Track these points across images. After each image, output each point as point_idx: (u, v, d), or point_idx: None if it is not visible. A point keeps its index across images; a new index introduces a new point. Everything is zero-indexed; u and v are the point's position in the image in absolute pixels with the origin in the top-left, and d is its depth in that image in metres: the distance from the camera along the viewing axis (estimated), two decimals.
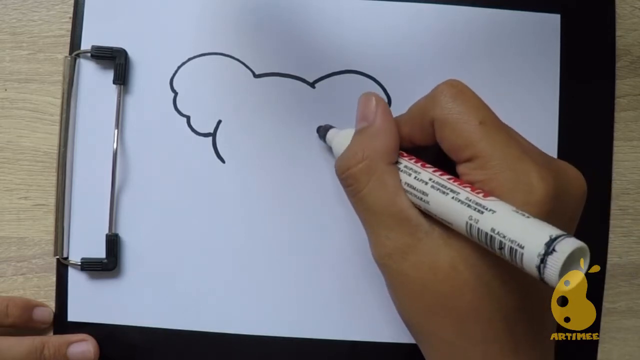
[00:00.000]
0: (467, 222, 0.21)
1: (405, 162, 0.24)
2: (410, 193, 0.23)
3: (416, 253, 0.23)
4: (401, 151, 0.25)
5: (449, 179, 0.23)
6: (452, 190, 0.22)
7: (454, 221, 0.22)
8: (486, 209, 0.20)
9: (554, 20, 0.35)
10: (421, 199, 0.23)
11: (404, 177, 0.24)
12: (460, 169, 0.23)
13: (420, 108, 0.25)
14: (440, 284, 0.22)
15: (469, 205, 0.21)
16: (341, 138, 0.28)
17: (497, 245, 0.20)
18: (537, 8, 0.35)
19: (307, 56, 0.35)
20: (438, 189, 0.22)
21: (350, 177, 0.24)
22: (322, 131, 0.31)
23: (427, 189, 0.23)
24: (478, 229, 0.20)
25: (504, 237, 0.19)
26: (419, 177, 0.23)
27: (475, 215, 0.21)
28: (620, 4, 0.36)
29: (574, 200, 0.24)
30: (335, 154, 0.29)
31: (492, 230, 0.20)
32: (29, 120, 0.35)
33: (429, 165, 0.24)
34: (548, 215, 0.21)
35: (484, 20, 0.35)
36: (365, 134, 0.25)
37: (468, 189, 0.22)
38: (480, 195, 0.21)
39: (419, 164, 0.24)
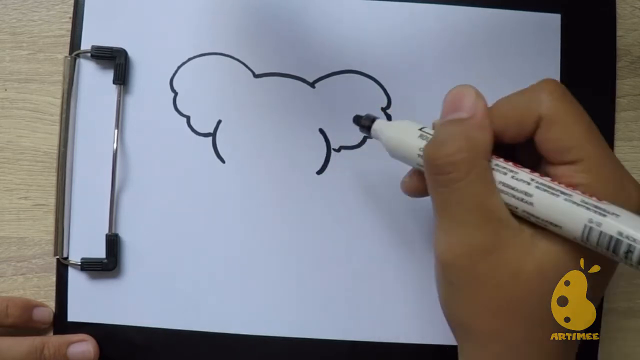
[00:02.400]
0: (585, 225, 0.20)
1: (500, 162, 0.23)
2: (506, 193, 0.22)
3: (500, 254, 0.22)
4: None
5: (551, 179, 0.22)
6: (562, 192, 0.21)
7: (565, 224, 0.21)
8: (609, 212, 0.20)
9: (554, 20, 0.35)
10: (522, 199, 0.22)
11: (498, 176, 0.23)
12: (561, 170, 0.22)
13: (521, 104, 0.23)
14: (519, 287, 0.22)
15: (587, 208, 0.20)
16: (397, 130, 0.26)
17: (623, 249, 0.19)
18: (537, 8, 0.35)
19: (307, 56, 0.35)
20: (545, 190, 0.21)
21: (449, 165, 0.22)
22: (366, 121, 0.28)
23: (530, 189, 0.22)
24: (601, 232, 0.20)
25: (634, 240, 0.19)
26: (517, 177, 0.22)
27: (597, 218, 0.20)
28: (620, 4, 0.36)
29: None
30: (388, 147, 0.26)
31: (620, 233, 0.19)
32: (29, 120, 0.35)
33: (518, 165, 0.23)
34: None
35: (484, 20, 0.35)
36: (466, 125, 0.23)
37: (579, 192, 0.21)
38: (594, 198, 0.21)
39: (510, 163, 0.23)
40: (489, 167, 0.23)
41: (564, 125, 0.22)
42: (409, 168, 0.28)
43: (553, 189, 0.21)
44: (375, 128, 0.27)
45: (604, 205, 0.20)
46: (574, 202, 0.21)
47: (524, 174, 0.22)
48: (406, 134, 0.25)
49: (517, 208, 0.22)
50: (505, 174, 0.23)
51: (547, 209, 0.21)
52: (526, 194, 0.22)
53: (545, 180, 0.22)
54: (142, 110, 0.35)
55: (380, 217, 0.35)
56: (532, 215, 0.22)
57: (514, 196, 0.22)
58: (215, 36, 0.35)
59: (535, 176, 0.22)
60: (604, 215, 0.20)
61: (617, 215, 0.20)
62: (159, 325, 0.34)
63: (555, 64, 0.35)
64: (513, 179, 0.22)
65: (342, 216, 0.35)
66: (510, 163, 0.23)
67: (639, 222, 0.20)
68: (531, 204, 0.22)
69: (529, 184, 0.22)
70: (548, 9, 0.35)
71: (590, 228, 0.20)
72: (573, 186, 0.22)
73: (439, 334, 0.35)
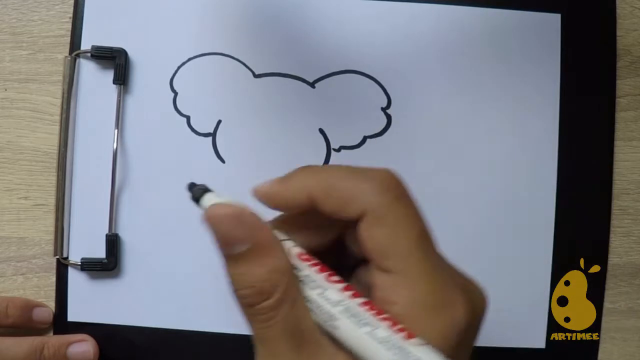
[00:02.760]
0: None
1: (309, 272, 0.20)
2: (313, 311, 0.20)
3: None
4: (301, 250, 0.21)
5: (365, 303, 0.19)
6: (367, 323, 0.18)
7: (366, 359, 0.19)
8: (411, 355, 0.18)
9: (554, 20, 0.35)
10: (327, 321, 0.19)
11: (306, 290, 0.20)
12: (381, 279, 0.20)
13: (349, 186, 0.21)
14: None
15: (388, 348, 0.18)
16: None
17: None
18: (537, 8, 0.35)
19: (307, 56, 0.35)
20: (350, 316, 0.19)
21: (255, 294, 0.20)
22: (197, 192, 0.23)
23: (335, 312, 0.19)
24: None
25: None
26: (325, 294, 0.20)
27: None
28: (620, 4, 0.36)
29: (480, 320, 0.22)
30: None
31: None
32: (29, 120, 0.35)
33: (336, 277, 0.20)
34: (466, 339, 0.20)
35: (484, 20, 0.35)
36: (248, 262, 0.20)
37: (388, 323, 0.18)
38: (403, 334, 0.18)
39: (323, 274, 0.20)
40: (296, 291, 0.20)
41: (389, 226, 0.20)
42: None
43: (359, 316, 0.19)
44: (203, 202, 0.23)
45: (409, 344, 0.18)
46: (376, 339, 0.18)
47: (334, 291, 0.20)
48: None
49: (324, 328, 0.20)
50: (314, 289, 0.20)
51: (349, 340, 0.19)
52: (331, 316, 0.19)
53: (356, 302, 0.19)
54: (142, 110, 0.35)
55: None
56: (338, 341, 0.19)
57: (320, 317, 0.20)
58: (215, 36, 0.35)
59: (346, 295, 0.19)
60: (407, 358, 0.18)
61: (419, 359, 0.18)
62: (159, 325, 0.34)
63: (556, 63, 0.35)
64: (321, 297, 0.20)
65: None
66: (324, 274, 0.20)
67: None
68: (336, 328, 0.19)
69: (335, 305, 0.19)
70: (548, 9, 0.35)
71: None
72: (391, 304, 0.19)
73: None
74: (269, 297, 0.20)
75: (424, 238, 0.20)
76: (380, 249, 0.20)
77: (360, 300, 0.19)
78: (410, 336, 0.18)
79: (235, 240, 0.21)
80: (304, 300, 0.20)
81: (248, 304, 0.21)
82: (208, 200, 0.23)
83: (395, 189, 0.21)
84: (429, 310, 0.19)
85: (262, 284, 0.20)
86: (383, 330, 0.18)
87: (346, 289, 0.20)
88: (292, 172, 0.22)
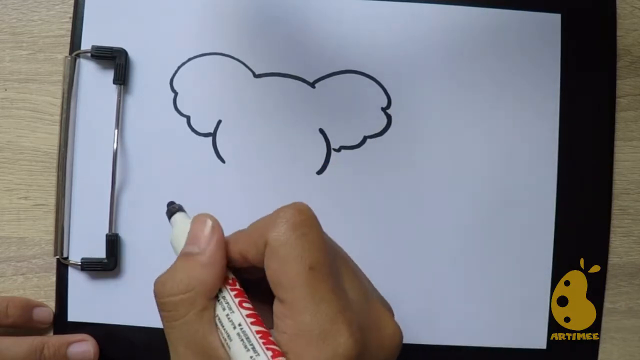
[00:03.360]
0: None
1: (227, 294, 0.23)
2: (219, 330, 0.22)
3: None
4: (233, 277, 0.23)
5: (259, 331, 0.21)
6: (253, 349, 0.20)
7: None
8: None
9: (554, 20, 0.35)
10: (225, 340, 0.22)
11: (219, 311, 0.22)
12: (275, 306, 0.22)
13: (260, 226, 0.23)
14: None
15: None
16: (182, 234, 0.25)
17: None
18: (537, 8, 0.35)
19: (307, 56, 0.35)
20: (242, 340, 0.21)
21: (169, 305, 0.23)
22: (170, 211, 0.27)
23: (233, 334, 0.21)
24: None
25: None
26: (231, 316, 0.22)
27: None
28: (620, 4, 0.36)
29: (385, 356, 0.23)
30: (171, 241, 0.26)
31: None
32: (29, 120, 0.35)
33: (248, 304, 0.22)
34: None
35: (485, 20, 0.35)
36: (194, 262, 0.23)
37: (270, 354, 0.20)
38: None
39: (237, 300, 0.22)
40: (210, 306, 0.22)
41: (284, 258, 0.21)
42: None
43: (250, 341, 0.21)
44: (173, 221, 0.27)
45: None
46: None
47: (238, 315, 0.22)
48: (182, 238, 0.25)
49: (224, 344, 0.22)
50: (224, 309, 0.22)
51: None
52: (229, 337, 0.21)
53: (252, 329, 0.21)
54: (142, 110, 0.35)
55: (380, 217, 0.35)
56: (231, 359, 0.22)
57: (222, 335, 0.22)
58: (216, 36, 0.35)
59: (247, 321, 0.21)
60: None
61: None
62: (159, 325, 0.34)
63: (556, 63, 0.35)
64: (227, 318, 0.22)
65: (341, 216, 0.35)
66: (239, 299, 0.22)
67: None
68: (230, 347, 0.21)
69: (235, 327, 0.21)
70: (548, 9, 0.35)
71: None
72: (281, 333, 0.21)
73: (438, 335, 0.35)
74: (176, 294, 0.22)
75: (316, 270, 0.21)
76: (274, 280, 0.22)
77: (257, 328, 0.21)
78: None
79: (194, 241, 0.23)
80: (214, 320, 0.22)
81: (156, 292, 0.23)
82: (178, 218, 0.26)
83: (296, 223, 0.22)
84: (312, 341, 0.20)
85: (180, 282, 0.22)
86: (262, 357, 0.20)
87: (250, 316, 0.22)
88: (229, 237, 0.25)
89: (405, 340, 0.35)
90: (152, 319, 0.34)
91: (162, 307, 0.23)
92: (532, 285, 0.35)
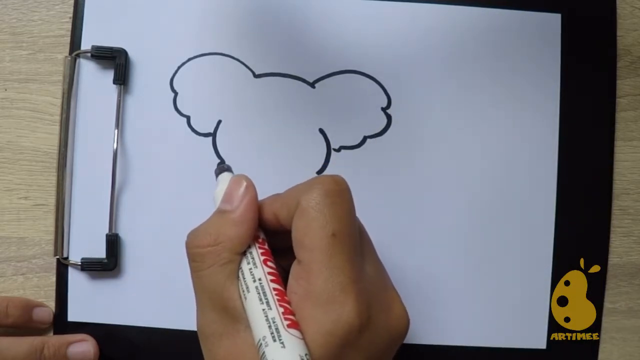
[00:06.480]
0: (259, 340, 0.21)
1: (254, 251, 0.24)
2: (240, 281, 0.23)
3: (230, 342, 0.23)
4: (264, 238, 0.25)
5: (276, 289, 0.22)
6: (267, 302, 0.22)
7: (254, 330, 0.22)
8: (279, 339, 0.20)
9: (554, 20, 0.35)
10: (243, 292, 0.23)
11: (243, 265, 0.23)
12: (293, 267, 0.23)
13: (295, 189, 0.24)
14: None
15: (269, 326, 0.21)
16: (222, 192, 0.26)
17: None
18: (538, 8, 0.35)
19: (307, 56, 0.35)
20: (258, 293, 0.22)
21: (197, 255, 0.24)
22: (219, 169, 0.29)
23: (251, 286, 0.22)
24: (264, 353, 0.20)
25: None
26: (253, 271, 0.23)
27: (269, 339, 0.21)
28: (620, 4, 0.36)
29: (390, 336, 0.23)
30: (214, 196, 0.27)
31: None
32: (29, 120, 0.35)
33: (271, 264, 0.23)
34: (359, 344, 0.21)
35: (485, 20, 0.35)
36: (225, 219, 0.24)
37: (282, 310, 0.21)
38: (288, 322, 0.21)
39: (263, 258, 0.24)
40: (235, 260, 0.23)
41: (309, 219, 0.22)
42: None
43: (265, 295, 0.22)
44: (219, 178, 0.28)
45: (286, 332, 0.21)
46: (266, 317, 0.21)
47: (260, 270, 0.23)
48: (222, 195, 0.26)
49: (241, 294, 0.23)
50: (248, 263, 0.23)
51: (248, 309, 0.22)
52: (247, 288, 0.22)
53: (269, 286, 0.22)
54: (142, 110, 0.35)
55: (380, 217, 0.35)
56: (245, 308, 0.23)
57: (241, 287, 0.23)
58: (216, 36, 0.35)
59: (267, 278, 0.23)
60: (274, 340, 0.20)
61: (283, 347, 0.20)
62: (159, 325, 0.34)
63: (556, 63, 0.35)
64: (249, 272, 0.23)
65: None
66: (264, 257, 0.24)
67: None
68: (246, 298, 0.22)
69: (254, 281, 0.22)
70: (548, 9, 0.35)
71: (260, 344, 0.21)
72: (293, 293, 0.22)
73: (438, 335, 0.35)
74: (204, 246, 0.23)
75: (337, 238, 0.22)
76: (297, 239, 0.23)
77: (275, 285, 0.22)
78: (291, 325, 0.21)
79: (228, 199, 0.25)
80: (237, 273, 0.23)
81: (187, 243, 0.24)
82: (224, 177, 0.27)
83: (330, 191, 0.23)
84: (319, 304, 0.21)
85: (209, 236, 0.24)
86: (273, 312, 0.21)
87: (271, 274, 0.23)
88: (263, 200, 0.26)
89: (405, 340, 0.35)
90: (152, 319, 0.34)
91: (190, 257, 0.24)
92: (532, 285, 0.35)
